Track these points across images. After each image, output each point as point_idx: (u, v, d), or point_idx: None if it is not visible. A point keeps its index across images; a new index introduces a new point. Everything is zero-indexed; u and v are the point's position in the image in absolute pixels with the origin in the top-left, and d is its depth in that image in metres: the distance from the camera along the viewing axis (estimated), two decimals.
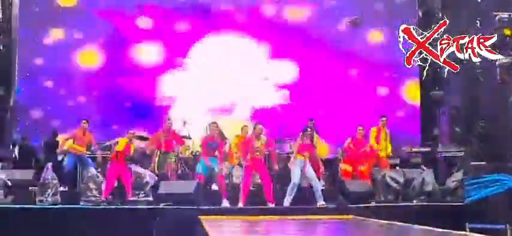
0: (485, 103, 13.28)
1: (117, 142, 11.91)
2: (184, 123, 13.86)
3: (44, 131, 14.55)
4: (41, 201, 11.09)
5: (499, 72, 12.42)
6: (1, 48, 14.24)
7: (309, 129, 12.14)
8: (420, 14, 15.89)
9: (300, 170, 11.43)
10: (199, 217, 9.67)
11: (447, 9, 14.37)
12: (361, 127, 12.91)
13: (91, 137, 12.68)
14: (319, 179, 11.91)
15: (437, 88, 15.03)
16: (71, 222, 10.44)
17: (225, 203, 11.41)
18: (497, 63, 12.13)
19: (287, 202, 11.41)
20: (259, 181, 12.02)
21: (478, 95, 13.46)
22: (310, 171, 11.52)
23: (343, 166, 12.77)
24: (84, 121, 12.57)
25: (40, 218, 10.43)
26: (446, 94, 14.88)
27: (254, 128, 11.83)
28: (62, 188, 11.72)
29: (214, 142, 11.94)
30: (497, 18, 12.44)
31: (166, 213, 10.57)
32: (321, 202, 11.34)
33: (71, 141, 12.46)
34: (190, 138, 13.90)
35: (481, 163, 11.86)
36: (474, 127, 13.32)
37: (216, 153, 11.86)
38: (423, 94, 15.89)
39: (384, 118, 13.33)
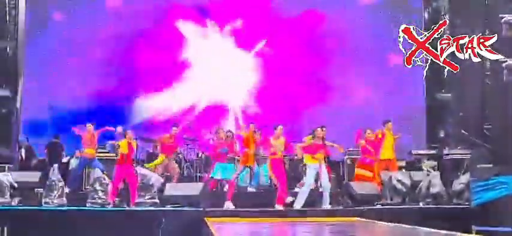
0: (492, 105, 13.22)
1: (119, 145, 11.92)
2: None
3: (49, 133, 14.63)
4: (47, 203, 11.10)
5: (506, 74, 12.37)
6: (8, 50, 14.26)
7: (318, 130, 11.80)
8: (426, 15, 15.89)
9: (315, 174, 11.40)
10: (205, 218, 9.67)
11: (453, 11, 14.35)
12: (369, 130, 12.79)
13: (95, 139, 12.80)
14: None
15: (443, 90, 14.98)
16: (77, 224, 10.44)
17: (229, 205, 11.43)
18: (504, 65, 12.08)
19: (299, 205, 11.36)
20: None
21: (484, 97, 13.39)
22: (325, 177, 11.44)
23: (359, 172, 12.70)
24: (89, 124, 12.73)
25: (46, 220, 10.43)
26: (452, 96, 14.83)
27: (275, 128, 11.80)
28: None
29: (224, 148, 12.00)
30: (503, 20, 12.40)
31: (172, 215, 10.57)
32: (327, 205, 11.33)
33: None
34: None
35: (488, 165, 11.79)
36: (481, 129, 13.27)
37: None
38: (429, 97, 15.84)
39: (388, 124, 12.89)
